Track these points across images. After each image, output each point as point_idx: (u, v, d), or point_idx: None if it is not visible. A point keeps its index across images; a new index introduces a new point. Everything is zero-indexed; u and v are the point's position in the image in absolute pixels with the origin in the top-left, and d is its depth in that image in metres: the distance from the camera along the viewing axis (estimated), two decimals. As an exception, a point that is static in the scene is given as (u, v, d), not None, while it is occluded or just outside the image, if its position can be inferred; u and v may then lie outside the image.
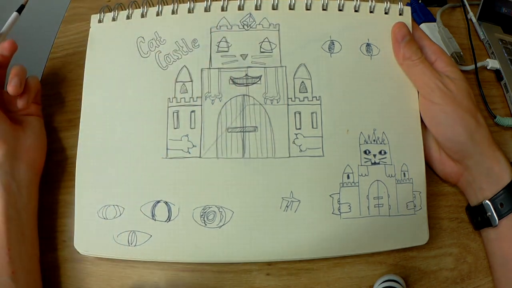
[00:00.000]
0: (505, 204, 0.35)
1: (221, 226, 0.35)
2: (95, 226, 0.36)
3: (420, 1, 0.51)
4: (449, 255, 0.38)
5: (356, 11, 0.39)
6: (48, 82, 0.45)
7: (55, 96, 0.45)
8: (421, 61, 0.37)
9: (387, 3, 0.39)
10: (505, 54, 0.48)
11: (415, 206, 0.37)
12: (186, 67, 0.38)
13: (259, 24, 0.38)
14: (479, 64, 0.47)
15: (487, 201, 0.35)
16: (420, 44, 0.39)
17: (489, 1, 0.49)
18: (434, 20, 0.49)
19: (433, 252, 0.38)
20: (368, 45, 0.39)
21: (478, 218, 0.37)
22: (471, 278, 0.38)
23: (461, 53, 0.47)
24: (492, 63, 0.47)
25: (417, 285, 0.37)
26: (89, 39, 0.40)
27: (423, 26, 0.49)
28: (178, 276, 0.37)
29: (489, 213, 0.35)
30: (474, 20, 0.50)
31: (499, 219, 0.35)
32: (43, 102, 0.43)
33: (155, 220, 0.36)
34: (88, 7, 0.50)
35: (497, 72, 0.48)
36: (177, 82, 0.38)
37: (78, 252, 0.37)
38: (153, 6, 0.39)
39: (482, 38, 0.50)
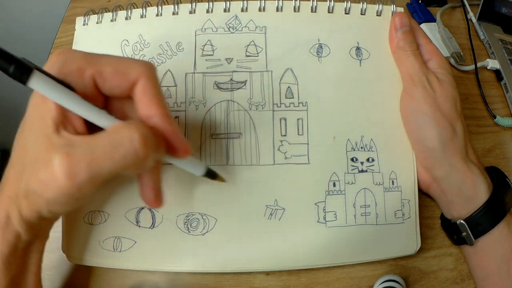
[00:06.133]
0: (482, 223, 0.34)
1: (204, 233, 0.35)
2: (82, 231, 0.36)
3: (420, 1, 0.50)
4: (449, 255, 0.38)
5: (346, 13, 0.38)
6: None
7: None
8: (413, 53, 0.36)
9: (379, 5, 0.38)
10: (505, 54, 0.47)
11: (403, 214, 0.36)
12: (170, 71, 0.37)
13: (245, 26, 0.37)
14: (479, 64, 0.46)
15: (462, 221, 0.34)
16: (417, 42, 0.37)
17: (489, 1, 0.49)
18: (434, 20, 0.49)
19: (433, 252, 0.38)
20: (358, 48, 0.38)
21: (454, 237, 0.36)
22: (471, 278, 0.37)
23: (461, 53, 0.47)
24: (492, 63, 0.47)
25: (417, 285, 0.37)
26: (74, 42, 0.39)
27: (423, 26, 0.49)
28: (178, 276, 0.37)
29: (465, 233, 0.35)
30: (474, 20, 0.50)
31: (475, 238, 0.34)
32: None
33: (139, 226, 0.36)
34: (88, 7, 0.49)
35: (497, 72, 0.48)
36: (161, 87, 0.37)
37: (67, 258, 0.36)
38: (137, 7, 0.39)
39: (482, 38, 0.49)
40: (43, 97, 0.24)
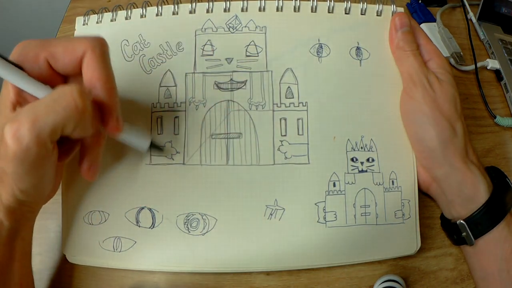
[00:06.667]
0: (482, 223, 0.34)
1: (204, 233, 0.35)
2: (82, 231, 0.36)
3: (420, 1, 0.50)
4: (449, 255, 0.38)
5: (346, 13, 0.38)
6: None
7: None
8: (413, 53, 0.36)
9: (379, 5, 0.38)
10: (505, 54, 0.47)
11: (403, 214, 0.36)
12: (170, 71, 0.37)
13: (245, 26, 0.37)
14: (479, 64, 0.46)
15: (462, 221, 0.34)
16: (417, 42, 0.37)
17: (489, 1, 0.49)
18: (434, 20, 0.49)
19: (433, 252, 0.38)
20: (358, 48, 0.38)
21: (454, 237, 0.36)
22: (471, 278, 0.37)
23: (461, 53, 0.47)
24: (492, 63, 0.47)
25: (417, 285, 0.37)
26: None
27: (423, 26, 0.48)
28: (178, 276, 0.37)
29: (465, 233, 0.35)
30: (474, 20, 0.50)
31: (475, 239, 0.34)
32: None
33: (139, 226, 0.36)
34: (88, 7, 0.49)
35: (497, 72, 0.48)
36: (161, 86, 0.37)
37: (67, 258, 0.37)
38: (137, 7, 0.39)
39: (482, 38, 0.49)
40: (7, 85, 0.26)
